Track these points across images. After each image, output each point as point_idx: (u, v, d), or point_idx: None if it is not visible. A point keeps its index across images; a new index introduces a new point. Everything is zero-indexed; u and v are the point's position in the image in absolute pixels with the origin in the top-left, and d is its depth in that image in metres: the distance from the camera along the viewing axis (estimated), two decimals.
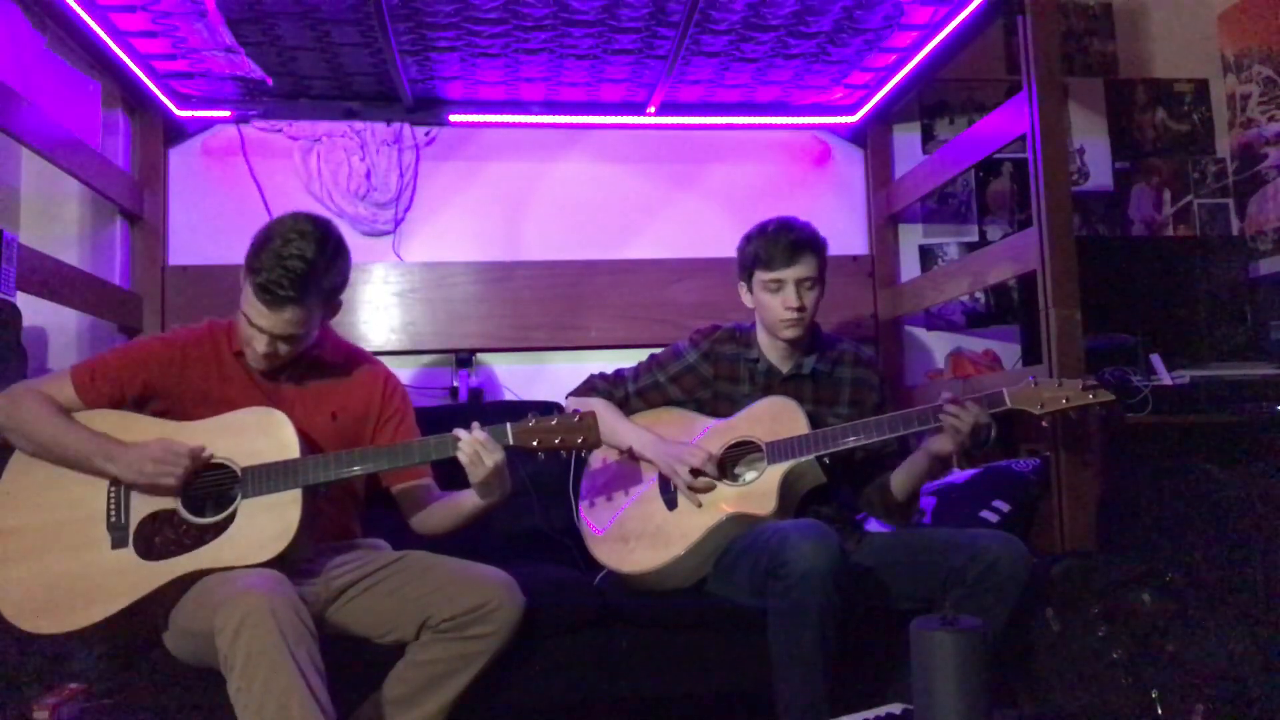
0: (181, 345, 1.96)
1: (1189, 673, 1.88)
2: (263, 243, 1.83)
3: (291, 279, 1.79)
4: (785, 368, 2.24)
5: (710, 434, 2.18)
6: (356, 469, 1.88)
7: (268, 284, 1.80)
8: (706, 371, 2.26)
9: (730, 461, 2.16)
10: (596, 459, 2.28)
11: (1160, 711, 1.84)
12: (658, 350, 2.36)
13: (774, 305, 2.16)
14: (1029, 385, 2.06)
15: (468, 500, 1.97)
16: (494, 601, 1.80)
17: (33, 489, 1.82)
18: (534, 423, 1.92)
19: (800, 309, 2.14)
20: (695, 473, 2.10)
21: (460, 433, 1.88)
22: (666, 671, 2.05)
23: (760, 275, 2.17)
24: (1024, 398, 2.04)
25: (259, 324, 1.85)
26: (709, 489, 2.10)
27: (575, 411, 1.95)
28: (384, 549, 2.01)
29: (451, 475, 2.03)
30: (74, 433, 1.81)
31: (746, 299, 2.25)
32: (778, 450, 2.09)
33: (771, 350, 2.24)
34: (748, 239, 2.23)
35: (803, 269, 2.14)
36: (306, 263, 1.80)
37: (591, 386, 2.31)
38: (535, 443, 1.91)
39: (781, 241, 2.15)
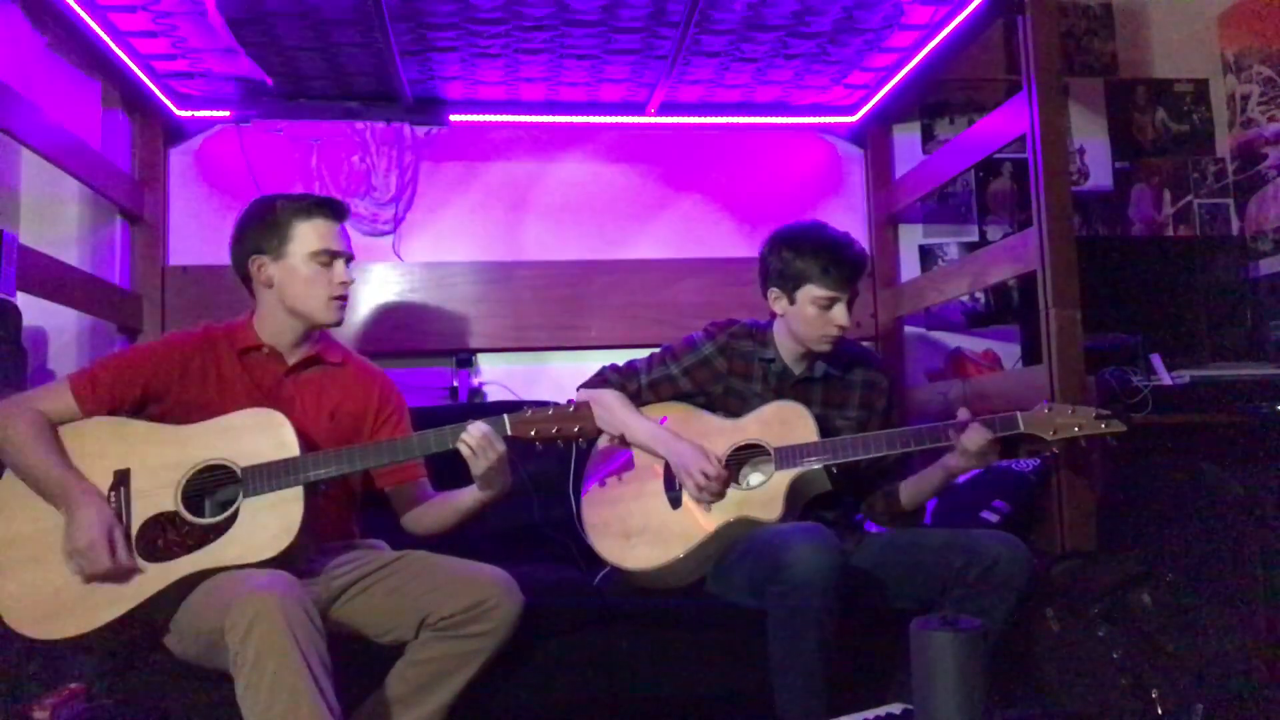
0: (179, 350, 1.97)
1: (1189, 673, 1.88)
2: (284, 203, 2.01)
3: (328, 197, 2.08)
4: (798, 370, 2.23)
5: (717, 434, 2.18)
6: (357, 464, 1.89)
7: (322, 200, 2.02)
8: (721, 366, 2.25)
9: (736, 464, 2.16)
10: (601, 451, 2.27)
11: (1160, 711, 1.85)
12: (659, 350, 2.35)
13: (820, 321, 2.13)
14: (1043, 410, 2.05)
15: (467, 495, 1.97)
16: (492, 600, 1.80)
17: (30, 496, 1.81)
18: (530, 414, 1.93)
19: (845, 327, 2.13)
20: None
21: (471, 425, 1.89)
22: (666, 671, 2.05)
23: (813, 290, 2.11)
24: (1037, 423, 2.04)
25: (335, 247, 2.00)
26: (720, 497, 2.09)
27: (570, 401, 1.96)
28: (383, 549, 2.01)
29: (447, 478, 2.04)
30: (54, 473, 1.77)
31: (778, 305, 2.19)
32: (787, 457, 2.09)
33: (788, 352, 2.23)
34: (795, 250, 2.14)
35: (855, 288, 2.14)
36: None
37: (604, 379, 2.29)
38: (533, 433, 1.91)
39: (845, 263, 2.11)
